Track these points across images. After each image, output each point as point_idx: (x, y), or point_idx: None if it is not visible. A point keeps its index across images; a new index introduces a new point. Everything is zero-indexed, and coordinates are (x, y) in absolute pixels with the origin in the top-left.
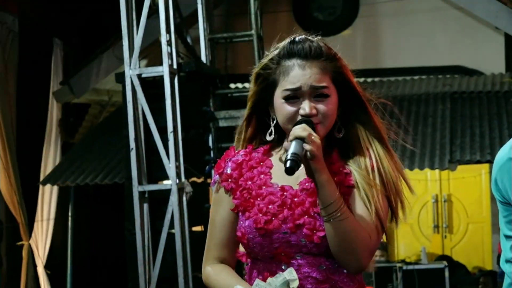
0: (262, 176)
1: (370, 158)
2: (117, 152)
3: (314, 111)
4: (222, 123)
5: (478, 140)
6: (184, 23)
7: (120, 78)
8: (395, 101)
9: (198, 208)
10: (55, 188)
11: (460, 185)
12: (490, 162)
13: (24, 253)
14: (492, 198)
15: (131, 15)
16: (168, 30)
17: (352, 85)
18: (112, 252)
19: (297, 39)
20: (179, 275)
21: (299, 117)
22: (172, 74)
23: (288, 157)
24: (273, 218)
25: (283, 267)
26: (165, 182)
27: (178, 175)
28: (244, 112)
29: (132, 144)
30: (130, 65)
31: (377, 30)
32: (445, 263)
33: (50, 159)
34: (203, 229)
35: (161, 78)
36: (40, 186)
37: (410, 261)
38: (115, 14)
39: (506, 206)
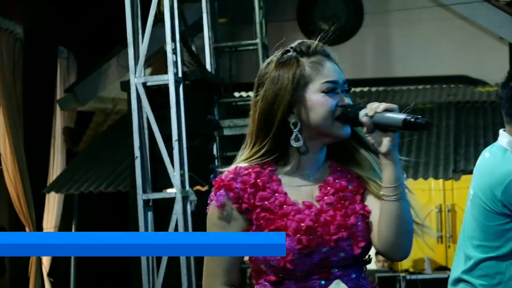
0: (277, 194)
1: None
2: (121, 160)
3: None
4: (226, 132)
5: (482, 150)
6: (190, 32)
7: (125, 86)
8: (400, 110)
9: (203, 217)
10: (59, 196)
11: (464, 195)
12: None
13: (32, 262)
14: None
15: (137, 23)
16: (173, 39)
17: None
18: (116, 260)
19: (307, 41)
20: (183, 283)
21: (338, 110)
22: (177, 82)
23: (416, 118)
24: (311, 237)
25: (322, 282)
26: (169, 190)
27: (182, 184)
28: (251, 126)
29: (137, 152)
30: (135, 73)
31: (382, 40)
32: (449, 273)
33: (56, 167)
34: None
35: (166, 86)
36: (47, 194)
37: (413, 271)
38: (121, 22)
39: (503, 217)
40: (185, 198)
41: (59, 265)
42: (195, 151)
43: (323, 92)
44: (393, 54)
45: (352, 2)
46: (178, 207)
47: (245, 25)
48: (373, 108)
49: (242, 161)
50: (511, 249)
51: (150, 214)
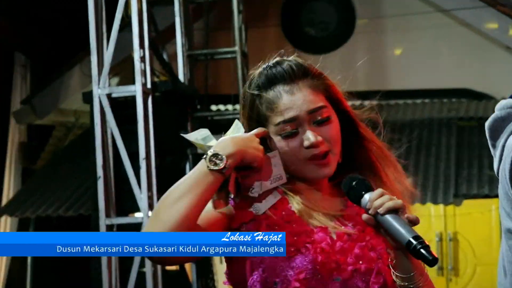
0: (284, 212)
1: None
2: (83, 180)
3: (320, 139)
4: (201, 150)
5: (487, 172)
6: (160, 38)
7: (88, 97)
8: (395, 126)
9: None
10: (14, 220)
11: (467, 222)
12: None
13: None
14: None
15: (101, 27)
16: (141, 45)
17: (345, 105)
18: (75, 277)
19: (271, 63)
20: None
21: (305, 151)
22: (145, 94)
23: (422, 246)
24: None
25: None
26: (136, 214)
27: (150, 207)
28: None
29: (100, 172)
30: (98, 84)
31: (376, 49)
32: None
33: (11, 187)
34: (178, 268)
35: (133, 98)
36: None
37: None
38: (84, 27)
39: None
40: None
41: (14, 282)
42: (166, 171)
43: (279, 135)
44: (388, 65)
45: (343, 6)
46: None
47: (222, 31)
48: (375, 205)
49: None
50: None
51: None
